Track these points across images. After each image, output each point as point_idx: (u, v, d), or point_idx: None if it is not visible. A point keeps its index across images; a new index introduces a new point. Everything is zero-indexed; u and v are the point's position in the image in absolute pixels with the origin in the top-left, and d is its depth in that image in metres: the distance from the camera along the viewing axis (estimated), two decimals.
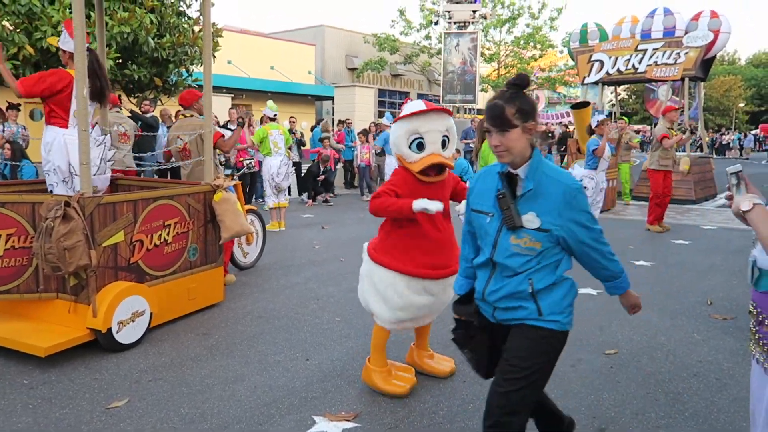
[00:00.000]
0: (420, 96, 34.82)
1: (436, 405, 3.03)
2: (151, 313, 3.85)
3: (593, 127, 7.14)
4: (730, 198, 1.84)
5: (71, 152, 4.06)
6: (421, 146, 2.91)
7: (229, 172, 8.37)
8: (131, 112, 8.57)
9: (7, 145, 8.05)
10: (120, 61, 9.16)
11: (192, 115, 5.55)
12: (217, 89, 19.65)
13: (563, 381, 3.32)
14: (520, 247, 2.02)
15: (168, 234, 4.11)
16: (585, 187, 6.82)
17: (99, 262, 3.60)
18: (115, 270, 3.74)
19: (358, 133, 12.98)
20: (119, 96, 8.22)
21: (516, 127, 1.97)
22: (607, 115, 7.40)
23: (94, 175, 4.29)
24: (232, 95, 19.67)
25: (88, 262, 3.48)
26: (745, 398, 3.13)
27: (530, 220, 2.00)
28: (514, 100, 1.98)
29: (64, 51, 4.22)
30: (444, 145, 2.97)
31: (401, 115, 3.03)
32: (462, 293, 2.38)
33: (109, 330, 3.54)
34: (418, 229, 2.98)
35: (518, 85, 2.01)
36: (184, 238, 4.26)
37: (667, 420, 2.90)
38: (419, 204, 2.80)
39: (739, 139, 35.62)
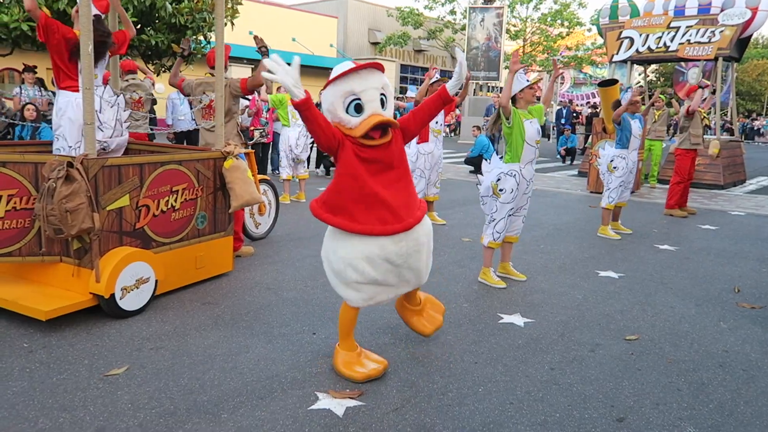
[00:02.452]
0: (443, 73, 34.29)
1: (445, 386, 2.89)
2: (156, 281, 3.76)
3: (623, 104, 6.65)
4: None
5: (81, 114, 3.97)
6: (359, 108, 2.67)
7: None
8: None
9: (31, 107, 8.01)
10: (138, 26, 9.01)
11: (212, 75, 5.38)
12: (238, 60, 19.50)
13: (581, 366, 3.16)
14: None
15: (175, 200, 3.99)
16: (615, 167, 6.52)
17: (103, 226, 3.50)
18: (120, 235, 3.64)
19: None
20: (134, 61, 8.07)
21: None
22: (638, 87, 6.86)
23: (110, 137, 4.20)
24: (253, 66, 19.47)
25: (91, 226, 3.37)
26: None
27: None
28: None
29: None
30: (382, 104, 2.73)
31: (331, 77, 2.71)
32: None
33: (112, 296, 3.45)
34: (362, 186, 2.73)
35: None
36: (192, 205, 4.14)
37: (690, 411, 2.74)
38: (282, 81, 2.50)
39: None
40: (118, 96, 4.35)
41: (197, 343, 3.29)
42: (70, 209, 3.25)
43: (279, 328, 3.56)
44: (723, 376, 3.12)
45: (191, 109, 5.62)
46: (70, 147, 4.02)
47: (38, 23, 3.94)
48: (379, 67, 2.77)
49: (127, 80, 6.80)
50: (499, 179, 4.45)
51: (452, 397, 2.79)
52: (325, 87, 2.76)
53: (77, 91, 4.04)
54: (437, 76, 6.82)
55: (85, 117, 3.44)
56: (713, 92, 12.56)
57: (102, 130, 4.06)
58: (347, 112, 2.70)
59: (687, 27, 12.01)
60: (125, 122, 4.38)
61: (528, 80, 4.47)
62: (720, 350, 3.47)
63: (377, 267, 2.79)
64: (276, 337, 3.42)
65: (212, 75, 5.44)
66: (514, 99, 4.44)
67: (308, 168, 8.64)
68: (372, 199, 2.76)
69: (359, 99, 2.67)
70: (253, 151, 5.55)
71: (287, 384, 2.85)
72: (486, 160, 4.65)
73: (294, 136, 8.09)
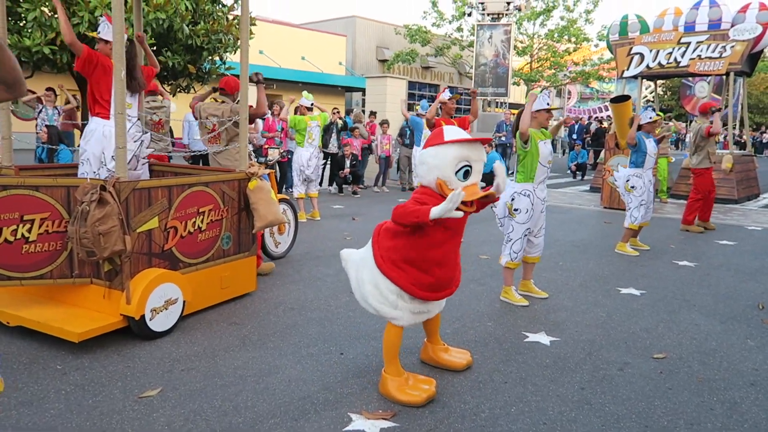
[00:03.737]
0: (452, 90, 34.42)
1: (477, 406, 2.89)
2: (184, 301, 3.79)
3: (642, 123, 6.67)
4: None
5: (109, 143, 4.10)
6: (467, 174, 2.80)
7: (262, 160, 8.34)
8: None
9: (44, 128, 8.13)
10: (155, 48, 9.17)
11: (224, 102, 5.48)
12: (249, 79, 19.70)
13: (611, 386, 3.16)
14: None
15: (202, 221, 4.04)
16: (633, 187, 6.52)
17: (133, 247, 3.54)
18: (149, 256, 3.68)
19: (380, 123, 12.80)
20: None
21: None
22: (657, 113, 6.85)
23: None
24: (264, 85, 19.68)
25: (122, 248, 3.42)
26: None
27: None
28: None
29: (105, 42, 4.19)
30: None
31: (453, 138, 2.77)
32: None
33: (143, 317, 3.49)
34: (429, 244, 2.84)
35: None
36: (218, 226, 4.19)
37: (724, 431, 2.72)
38: (437, 210, 2.60)
39: None
40: (144, 133, 4.47)
41: (227, 363, 3.31)
42: (102, 232, 3.30)
43: (306, 348, 3.58)
44: (755, 395, 3.10)
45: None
46: (95, 173, 4.11)
47: (80, 56, 4.06)
48: (486, 142, 2.97)
49: (147, 101, 6.91)
50: (513, 199, 4.47)
51: (485, 417, 2.79)
52: (440, 143, 2.79)
53: (108, 118, 4.18)
54: (449, 93, 6.91)
55: (117, 141, 3.50)
56: (725, 107, 12.60)
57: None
58: (456, 175, 2.78)
59: (698, 42, 12.06)
60: (143, 158, 4.49)
61: (549, 104, 4.52)
62: (750, 368, 3.45)
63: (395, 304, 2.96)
64: (304, 357, 3.44)
65: (215, 100, 5.53)
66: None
67: (321, 186, 8.70)
68: (433, 265, 2.88)
69: (470, 167, 2.79)
70: (274, 171, 5.61)
71: (320, 405, 2.86)
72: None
73: (306, 157, 8.18)
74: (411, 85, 18.13)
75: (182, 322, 3.85)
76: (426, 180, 2.87)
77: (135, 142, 4.33)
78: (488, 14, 24.67)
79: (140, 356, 3.36)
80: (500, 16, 24.54)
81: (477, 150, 2.82)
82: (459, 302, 4.47)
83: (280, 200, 5.71)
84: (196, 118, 5.48)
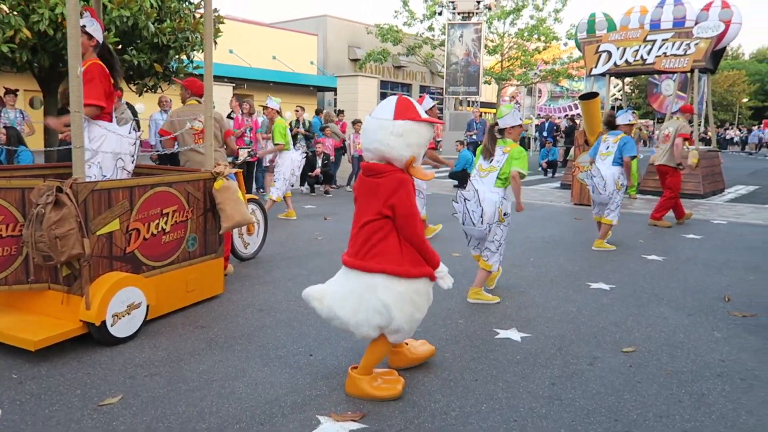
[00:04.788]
0: (422, 89, 34.55)
1: (448, 405, 2.86)
2: (147, 306, 3.68)
3: (620, 124, 6.78)
4: None
5: (118, 144, 4.12)
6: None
7: (229, 159, 8.18)
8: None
9: (3, 130, 7.87)
10: (119, 46, 8.94)
11: (199, 102, 5.36)
12: (219, 78, 19.43)
13: (581, 380, 3.15)
14: None
15: (166, 223, 3.93)
16: (623, 185, 6.57)
17: (93, 251, 3.42)
18: (110, 260, 3.56)
19: (353, 123, 12.65)
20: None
21: None
22: (632, 113, 6.99)
23: (126, 168, 4.23)
24: (234, 84, 19.44)
25: (81, 252, 3.30)
26: None
27: None
28: None
29: (89, 37, 4.03)
30: None
31: (426, 117, 2.76)
32: None
33: (104, 323, 3.37)
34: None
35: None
36: (183, 228, 4.08)
37: (693, 423, 2.74)
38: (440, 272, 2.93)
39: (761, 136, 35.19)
40: (138, 132, 4.39)
41: (192, 368, 3.21)
42: (59, 235, 3.18)
43: (275, 350, 3.50)
44: (722, 387, 3.13)
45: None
46: (104, 176, 3.99)
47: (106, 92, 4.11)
48: (441, 125, 3.03)
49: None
50: (501, 204, 4.46)
51: (455, 416, 2.76)
52: (417, 119, 2.74)
53: (110, 120, 4.12)
54: (431, 101, 6.89)
55: (73, 141, 3.38)
56: (690, 103, 12.85)
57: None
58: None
59: (663, 40, 12.26)
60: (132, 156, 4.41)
61: (521, 119, 4.69)
62: (717, 360, 3.49)
63: (429, 299, 2.98)
64: (272, 359, 3.36)
65: (184, 103, 5.42)
66: (503, 131, 4.64)
67: (293, 186, 8.60)
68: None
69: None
70: (242, 170, 5.51)
71: (287, 408, 2.79)
72: (470, 174, 4.71)
73: (297, 159, 8.07)
74: (383, 84, 18.15)
75: (146, 327, 3.74)
76: (396, 153, 2.72)
77: (132, 145, 4.25)
78: (459, 13, 24.82)
79: (101, 363, 3.24)
80: (471, 15, 24.71)
81: (432, 132, 2.90)
82: None
83: (249, 200, 5.62)
84: (175, 131, 5.30)
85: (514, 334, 3.84)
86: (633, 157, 6.64)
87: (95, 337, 3.41)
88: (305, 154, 10.69)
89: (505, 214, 4.44)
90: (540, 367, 3.34)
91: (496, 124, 4.64)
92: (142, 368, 3.19)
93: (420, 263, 2.84)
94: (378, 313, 2.77)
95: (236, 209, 4.29)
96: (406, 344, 3.28)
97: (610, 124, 6.87)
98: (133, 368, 3.19)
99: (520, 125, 4.70)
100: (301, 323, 3.96)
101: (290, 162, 8.02)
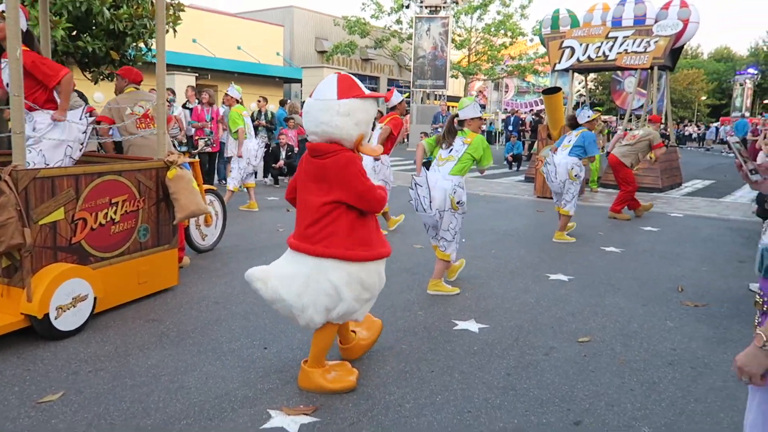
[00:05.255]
0: (390, 82, 34.50)
1: (402, 397, 2.82)
2: (95, 298, 3.55)
3: (581, 122, 6.91)
4: (740, 166, 1.73)
5: (67, 132, 4.04)
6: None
7: (184, 149, 7.99)
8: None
9: None
10: (73, 32, 8.62)
11: (138, 89, 5.21)
12: (182, 68, 19.00)
13: (537, 371, 3.16)
14: None
15: (115, 212, 3.79)
16: (577, 176, 6.64)
17: (35, 241, 3.27)
18: (54, 250, 3.41)
19: (285, 119, 12.43)
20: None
21: None
22: (594, 110, 7.15)
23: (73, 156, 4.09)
24: (197, 75, 19.04)
25: (21, 241, 3.15)
26: (722, 388, 3.03)
27: None
28: None
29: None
30: None
31: (370, 93, 2.69)
32: None
33: (46, 316, 3.23)
34: (369, 216, 2.82)
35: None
36: (134, 218, 3.95)
37: (643, 411, 2.77)
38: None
39: (717, 130, 36.22)
40: (91, 119, 4.25)
41: (140, 363, 3.11)
42: None
43: (228, 343, 3.41)
44: (673, 375, 3.18)
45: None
46: (47, 165, 3.83)
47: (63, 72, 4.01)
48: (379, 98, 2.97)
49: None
50: (455, 192, 4.41)
51: (410, 408, 2.73)
52: (362, 96, 2.66)
53: (56, 108, 3.99)
54: (399, 96, 6.87)
55: (13, 126, 3.22)
56: (651, 101, 13.12)
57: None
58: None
59: (624, 37, 12.47)
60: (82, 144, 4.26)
61: (480, 112, 4.77)
62: (668, 349, 3.55)
63: (381, 279, 2.89)
64: (225, 353, 3.27)
65: (134, 89, 5.21)
66: (463, 123, 4.69)
67: (256, 177, 8.47)
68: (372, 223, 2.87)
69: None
70: (199, 160, 5.37)
71: (238, 403, 2.72)
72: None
73: (254, 148, 7.98)
74: None
75: (94, 320, 3.60)
76: (344, 133, 2.64)
77: (82, 133, 4.10)
78: (426, 7, 24.79)
79: (43, 358, 3.11)
80: (438, 9, 24.70)
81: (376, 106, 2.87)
82: (389, 292, 4.39)
83: (207, 191, 5.48)
84: (119, 121, 5.10)
85: (472, 325, 3.83)
86: (591, 159, 6.79)
87: (38, 330, 3.27)
88: (266, 146, 10.55)
89: (459, 203, 4.41)
90: (496, 357, 3.34)
91: (457, 115, 4.67)
92: (87, 363, 3.07)
93: (371, 245, 2.75)
94: (327, 294, 2.70)
95: (190, 199, 4.17)
96: (354, 333, 3.22)
97: (573, 126, 6.99)
98: (78, 363, 3.07)
99: (480, 117, 4.77)
100: (257, 316, 3.88)
101: (247, 151, 7.90)
